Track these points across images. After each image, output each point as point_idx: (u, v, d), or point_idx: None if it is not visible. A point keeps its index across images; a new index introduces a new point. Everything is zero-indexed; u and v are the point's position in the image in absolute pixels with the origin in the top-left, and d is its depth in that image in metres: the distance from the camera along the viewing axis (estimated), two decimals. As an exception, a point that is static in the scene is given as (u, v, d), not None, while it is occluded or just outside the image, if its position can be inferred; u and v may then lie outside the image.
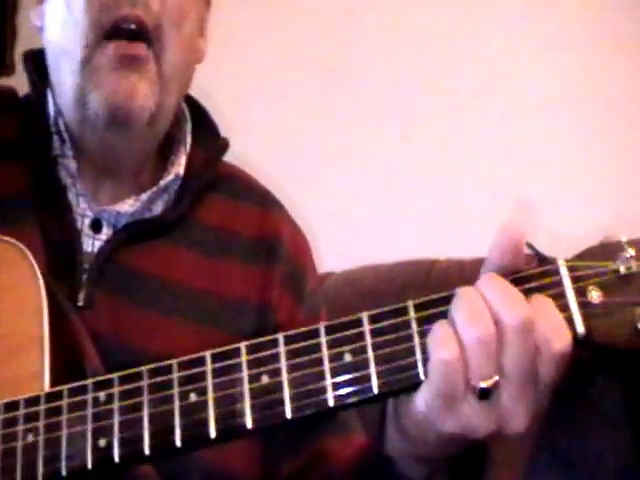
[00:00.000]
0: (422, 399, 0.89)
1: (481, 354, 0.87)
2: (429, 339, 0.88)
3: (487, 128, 2.36)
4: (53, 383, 1.02)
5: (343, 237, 2.31)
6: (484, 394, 0.86)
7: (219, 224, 1.33)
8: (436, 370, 0.87)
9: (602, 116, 2.27)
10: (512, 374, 0.87)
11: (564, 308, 0.87)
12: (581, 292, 0.87)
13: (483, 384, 0.86)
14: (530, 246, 0.92)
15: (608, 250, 0.88)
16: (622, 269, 0.87)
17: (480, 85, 2.37)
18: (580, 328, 0.86)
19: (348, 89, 2.46)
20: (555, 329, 0.87)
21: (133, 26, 1.20)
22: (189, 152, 1.33)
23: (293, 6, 2.52)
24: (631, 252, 0.87)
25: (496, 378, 0.86)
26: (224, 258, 1.30)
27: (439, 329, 0.88)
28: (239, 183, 1.40)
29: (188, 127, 1.35)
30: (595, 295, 0.87)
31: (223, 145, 1.38)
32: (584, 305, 0.87)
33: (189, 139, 1.34)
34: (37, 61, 1.32)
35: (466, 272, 1.94)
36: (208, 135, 1.37)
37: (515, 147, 2.34)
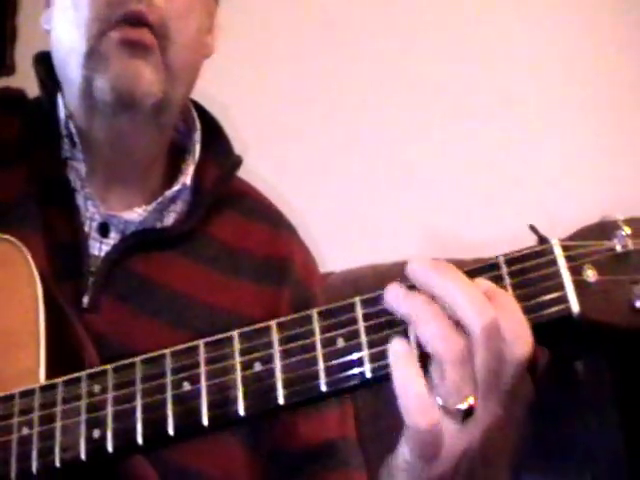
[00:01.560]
0: (403, 459, 0.88)
1: (458, 374, 0.84)
2: (401, 401, 0.85)
3: (487, 128, 2.35)
4: (49, 378, 1.01)
5: (343, 237, 2.30)
6: (468, 413, 0.84)
7: (230, 241, 1.33)
8: (417, 438, 0.85)
9: (600, 96, 2.27)
10: (482, 380, 0.84)
11: (559, 287, 0.86)
12: (576, 271, 0.86)
13: (464, 405, 0.84)
14: (532, 228, 0.91)
15: (604, 229, 0.88)
16: (618, 248, 0.86)
17: (477, 82, 2.36)
18: (575, 307, 0.85)
19: (347, 90, 2.46)
20: (518, 334, 0.85)
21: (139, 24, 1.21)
22: (201, 165, 1.33)
23: (305, 19, 2.52)
24: (627, 231, 0.87)
25: (473, 394, 0.84)
26: (233, 275, 1.30)
27: (414, 390, 0.85)
28: (252, 202, 1.40)
29: (197, 136, 1.35)
30: (590, 274, 0.86)
31: (236, 162, 1.38)
32: (579, 284, 0.86)
33: (198, 148, 1.34)
34: (47, 63, 1.32)
35: (465, 272, 1.93)
36: (222, 151, 1.37)
37: (515, 147, 2.34)
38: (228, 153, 1.38)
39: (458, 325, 0.85)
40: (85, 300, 1.21)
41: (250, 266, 1.32)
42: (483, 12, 2.39)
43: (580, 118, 2.29)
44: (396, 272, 1.98)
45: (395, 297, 0.89)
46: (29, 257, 1.10)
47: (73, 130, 1.26)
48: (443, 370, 0.84)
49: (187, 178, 1.30)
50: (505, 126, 2.34)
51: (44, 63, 1.33)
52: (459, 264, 1.98)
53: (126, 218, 1.26)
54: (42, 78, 1.32)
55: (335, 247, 2.06)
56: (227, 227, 1.34)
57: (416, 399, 0.84)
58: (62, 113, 1.28)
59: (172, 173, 1.33)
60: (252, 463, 1.23)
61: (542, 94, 2.32)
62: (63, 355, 1.07)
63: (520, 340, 0.85)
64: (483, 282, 0.87)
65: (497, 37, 2.37)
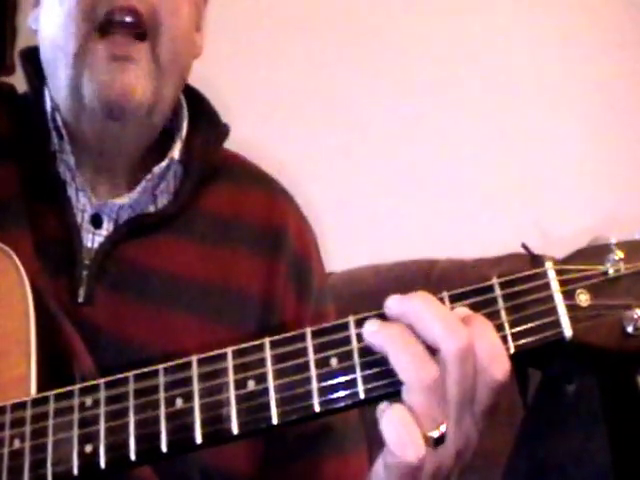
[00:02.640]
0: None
1: (431, 401, 0.85)
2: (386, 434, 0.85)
3: (487, 130, 2.36)
4: (40, 387, 1.01)
5: (343, 237, 2.30)
6: (439, 440, 0.84)
7: (223, 212, 1.30)
8: (400, 470, 0.85)
9: (599, 116, 2.28)
10: (453, 401, 0.85)
11: (552, 311, 0.86)
12: (569, 295, 0.86)
13: (436, 433, 0.84)
14: (524, 247, 0.91)
15: (597, 252, 0.88)
16: (610, 272, 0.87)
17: (481, 87, 2.37)
18: (568, 331, 0.85)
19: (348, 89, 2.45)
20: (493, 355, 0.85)
21: (128, 18, 1.18)
22: (188, 140, 1.30)
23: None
24: (620, 254, 0.87)
25: (445, 422, 0.84)
26: (228, 247, 1.28)
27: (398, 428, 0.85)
28: (244, 171, 1.37)
29: (185, 114, 1.32)
30: (583, 298, 0.86)
31: (224, 131, 1.35)
32: (572, 308, 0.86)
33: (185, 125, 1.31)
34: (34, 58, 1.30)
35: (466, 272, 1.94)
36: (207, 122, 1.34)
37: (514, 148, 2.34)
38: (214, 124, 1.35)
39: (434, 353, 0.85)
40: (81, 293, 1.19)
41: (245, 237, 1.30)
42: (483, 15, 2.39)
43: (579, 125, 2.30)
44: (396, 272, 2.00)
45: (370, 331, 0.88)
46: (18, 262, 1.09)
47: (60, 123, 1.25)
48: (416, 397, 0.85)
49: (175, 153, 1.28)
50: (505, 122, 2.34)
51: (30, 58, 1.31)
52: (459, 264, 1.99)
53: (118, 203, 1.24)
54: (28, 73, 1.30)
55: (335, 247, 2.06)
56: (220, 198, 1.31)
57: (406, 433, 0.84)
58: (49, 106, 1.27)
59: (162, 154, 1.30)
60: (252, 447, 1.22)
61: (545, 94, 2.33)
62: (53, 362, 1.07)
63: (495, 363, 0.85)
64: (460, 309, 0.88)
65: (497, 40, 2.38)
